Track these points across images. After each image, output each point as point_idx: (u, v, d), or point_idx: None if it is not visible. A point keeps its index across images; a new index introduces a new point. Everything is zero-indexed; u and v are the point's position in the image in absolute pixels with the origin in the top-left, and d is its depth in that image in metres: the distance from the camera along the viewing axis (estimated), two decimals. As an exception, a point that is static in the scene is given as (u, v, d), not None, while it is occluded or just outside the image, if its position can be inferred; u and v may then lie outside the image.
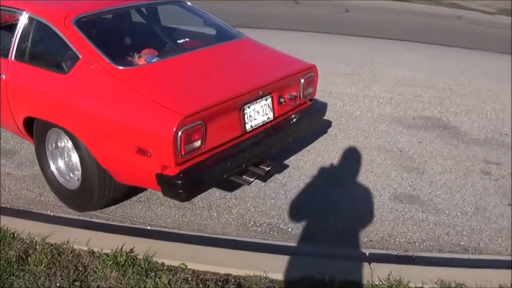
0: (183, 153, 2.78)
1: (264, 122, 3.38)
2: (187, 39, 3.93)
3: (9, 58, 3.57)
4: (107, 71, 3.07)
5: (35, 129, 3.56)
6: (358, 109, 5.63)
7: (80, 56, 3.16)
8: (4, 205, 3.55)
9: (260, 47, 3.97)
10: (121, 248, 2.96)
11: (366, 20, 11.36)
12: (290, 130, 3.56)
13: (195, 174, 2.86)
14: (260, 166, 3.48)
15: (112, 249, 2.95)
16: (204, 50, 3.69)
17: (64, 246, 3.00)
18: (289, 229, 3.46)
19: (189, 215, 3.57)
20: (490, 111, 5.72)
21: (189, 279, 2.78)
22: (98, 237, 3.09)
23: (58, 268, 2.83)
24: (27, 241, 3.02)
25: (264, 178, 3.49)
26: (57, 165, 3.60)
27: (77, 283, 2.72)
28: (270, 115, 3.44)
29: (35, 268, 2.79)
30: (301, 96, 3.68)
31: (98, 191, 3.25)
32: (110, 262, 2.85)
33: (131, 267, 2.83)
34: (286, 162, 4.35)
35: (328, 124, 5.14)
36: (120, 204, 3.63)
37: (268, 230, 3.46)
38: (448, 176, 4.23)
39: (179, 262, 2.87)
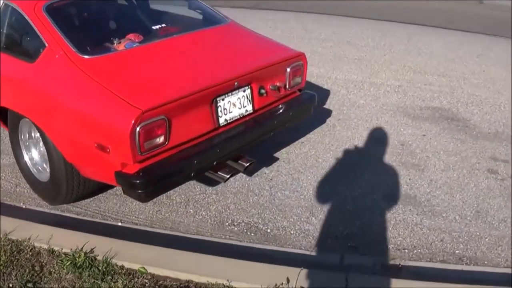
0: (142, 150, 2.57)
1: (241, 116, 3.14)
2: (167, 24, 3.67)
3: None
4: (71, 60, 2.86)
5: (9, 119, 3.40)
6: (363, 97, 5.31)
7: (46, 45, 2.96)
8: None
9: (245, 33, 3.70)
10: (82, 248, 2.79)
11: (380, 3, 10.82)
12: (271, 123, 3.30)
13: (156, 172, 2.65)
14: (239, 162, 3.26)
15: (71, 249, 2.78)
16: (184, 36, 3.44)
17: (25, 243, 2.84)
18: (268, 230, 3.24)
19: (164, 211, 3.38)
20: (504, 103, 5.32)
21: (147, 284, 2.59)
22: (61, 235, 2.93)
23: (14, 267, 2.68)
24: (-12, 237, 2.89)
25: (248, 173, 3.30)
26: (30, 156, 3.45)
27: (30, 285, 2.57)
28: (249, 108, 3.19)
29: (-11, 267, 2.65)
30: (287, 87, 3.41)
31: (66, 185, 3.08)
32: (68, 263, 2.68)
33: (89, 269, 2.65)
34: (277, 154, 4.11)
35: (328, 113, 4.86)
36: (95, 197, 3.46)
37: (245, 230, 3.24)
38: (450, 174, 3.92)
39: (139, 265, 2.69)
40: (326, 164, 4.00)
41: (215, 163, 2.97)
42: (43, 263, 2.72)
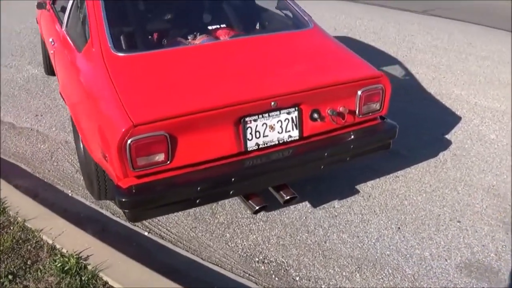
0: (135, 166, 2.24)
1: (281, 141, 2.57)
2: (241, 23, 3.26)
3: (62, 28, 3.46)
4: (102, 55, 2.63)
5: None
6: (495, 131, 4.16)
7: (88, 37, 2.82)
8: (43, 178, 3.50)
9: (322, 43, 3.06)
10: (79, 253, 2.57)
11: None
12: (321, 155, 2.64)
13: (146, 193, 2.29)
14: (281, 192, 2.70)
15: (70, 250, 2.57)
16: (248, 39, 3.03)
17: (35, 233, 2.74)
18: (297, 278, 2.61)
19: (199, 230, 2.98)
20: None
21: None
22: (71, 233, 2.73)
23: (11, 255, 2.58)
24: (11, 219, 2.87)
25: (286, 203, 2.74)
26: None
27: (10, 277, 2.43)
28: (294, 133, 2.59)
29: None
30: (358, 113, 2.71)
31: (96, 181, 2.90)
32: (59, 265, 2.48)
33: (71, 276, 2.41)
34: (360, 186, 3.38)
35: (446, 145, 3.89)
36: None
37: (272, 272, 2.66)
38: None
39: (120, 286, 2.35)
40: (412, 209, 3.14)
41: (231, 192, 2.49)
42: (38, 259, 2.56)
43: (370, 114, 2.77)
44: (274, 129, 2.51)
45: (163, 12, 3.38)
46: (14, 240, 2.68)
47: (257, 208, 2.61)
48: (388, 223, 3.03)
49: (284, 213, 3.12)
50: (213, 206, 3.16)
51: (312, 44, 3.02)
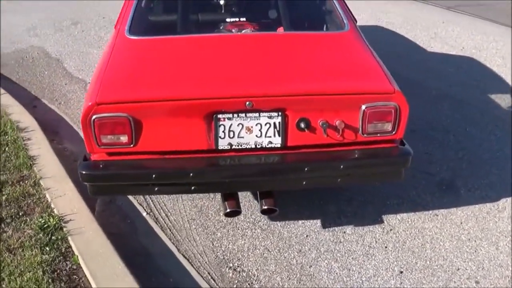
0: (100, 143, 2.28)
1: (259, 146, 2.36)
2: (264, 18, 3.12)
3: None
4: (115, 37, 2.81)
5: None
6: None
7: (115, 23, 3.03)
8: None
9: (348, 48, 2.75)
10: (65, 216, 2.70)
11: None
12: (299, 169, 2.36)
13: (104, 170, 2.32)
14: (263, 200, 2.52)
15: (60, 211, 2.72)
16: (257, 35, 2.93)
17: (42, 191, 2.93)
18: (257, 295, 2.39)
19: (195, 223, 2.90)
20: None
21: None
22: (71, 197, 2.87)
23: (12, 205, 2.82)
24: (32, 174, 3.12)
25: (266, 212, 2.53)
26: None
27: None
28: (276, 140, 2.35)
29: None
30: (362, 132, 2.36)
31: None
32: (42, 221, 2.63)
33: (44, 234, 2.55)
34: (389, 216, 2.97)
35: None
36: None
37: (236, 282, 2.48)
38: None
39: (78, 253, 2.43)
40: (430, 255, 2.65)
41: (192, 188, 2.39)
42: (31, 213, 2.76)
43: (379, 135, 2.39)
44: (252, 131, 2.32)
45: (195, 3, 3.42)
46: (22, 193, 2.92)
47: (227, 210, 2.46)
48: (393, 264, 2.60)
49: (288, 226, 2.89)
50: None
51: (333, 49, 2.74)
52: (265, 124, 2.31)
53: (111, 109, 2.21)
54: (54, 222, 2.63)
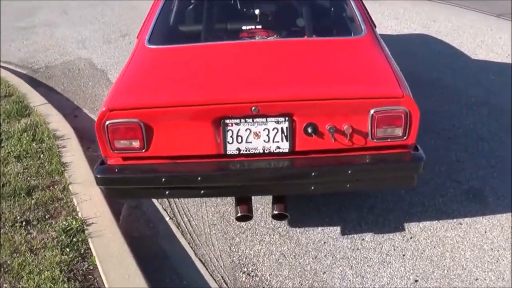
0: (114, 148, 2.37)
1: (267, 151, 2.37)
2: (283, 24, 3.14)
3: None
4: (136, 46, 2.92)
5: None
6: None
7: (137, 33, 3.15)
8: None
9: (363, 53, 2.70)
10: (89, 219, 2.82)
11: None
12: (307, 174, 2.35)
13: (117, 174, 2.41)
14: (275, 204, 2.53)
15: (84, 215, 2.85)
16: (272, 42, 2.95)
17: (70, 196, 3.07)
18: (267, 300, 2.39)
19: (216, 228, 2.94)
20: None
21: None
22: (96, 202, 2.99)
23: (40, 208, 2.96)
24: (62, 179, 3.28)
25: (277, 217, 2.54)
26: None
27: (24, 223, 2.82)
28: (284, 145, 2.35)
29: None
30: (372, 137, 2.33)
31: None
32: (66, 224, 2.76)
33: (66, 236, 2.66)
34: (411, 224, 2.89)
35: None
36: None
37: (248, 287, 2.49)
38: None
39: (96, 254, 2.53)
40: (449, 264, 2.56)
41: (202, 192, 2.43)
42: (57, 217, 2.89)
43: (389, 140, 2.34)
44: (260, 136, 2.34)
45: (213, 12, 3.48)
46: (51, 197, 3.07)
47: (238, 214, 2.49)
48: (408, 272, 2.54)
49: (307, 233, 2.88)
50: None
51: (347, 53, 2.71)
52: (273, 129, 2.33)
53: (122, 115, 2.30)
54: (77, 225, 2.75)
